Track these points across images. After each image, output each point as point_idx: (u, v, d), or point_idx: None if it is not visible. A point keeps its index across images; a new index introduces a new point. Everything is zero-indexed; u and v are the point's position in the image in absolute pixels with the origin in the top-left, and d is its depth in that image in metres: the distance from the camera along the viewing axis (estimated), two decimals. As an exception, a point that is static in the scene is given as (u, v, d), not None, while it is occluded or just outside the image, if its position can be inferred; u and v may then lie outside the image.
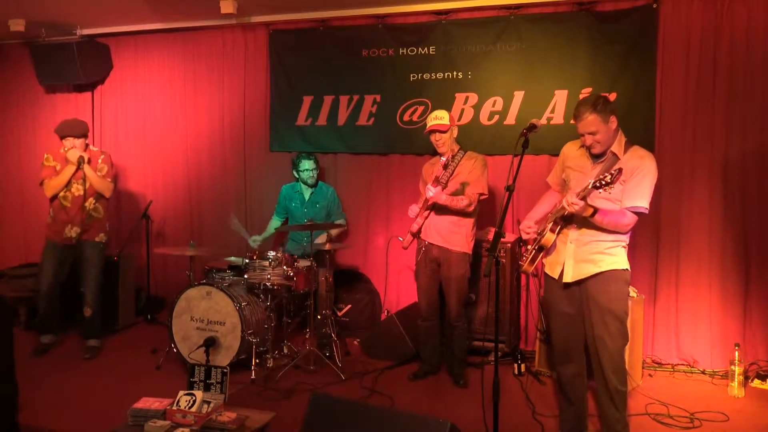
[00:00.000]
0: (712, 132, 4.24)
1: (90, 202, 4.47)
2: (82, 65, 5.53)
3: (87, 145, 4.56)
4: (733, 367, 3.81)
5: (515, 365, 4.18)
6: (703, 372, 4.21)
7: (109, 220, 4.73)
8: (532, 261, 3.08)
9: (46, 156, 4.56)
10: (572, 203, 2.75)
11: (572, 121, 3.01)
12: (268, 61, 5.39)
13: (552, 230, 2.98)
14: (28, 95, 6.16)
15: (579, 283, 2.99)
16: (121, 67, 5.91)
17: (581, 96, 4.44)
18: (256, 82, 5.46)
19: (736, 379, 3.81)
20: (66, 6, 5.00)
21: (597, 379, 3.05)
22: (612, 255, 2.94)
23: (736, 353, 3.82)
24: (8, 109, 6.25)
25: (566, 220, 2.99)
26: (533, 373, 4.16)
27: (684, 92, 4.29)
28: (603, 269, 2.92)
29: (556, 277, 3.05)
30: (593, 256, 2.94)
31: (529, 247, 3.14)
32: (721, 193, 4.24)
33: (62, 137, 4.44)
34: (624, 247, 2.98)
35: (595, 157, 2.99)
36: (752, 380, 3.99)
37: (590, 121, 2.85)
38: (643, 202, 2.87)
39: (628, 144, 2.98)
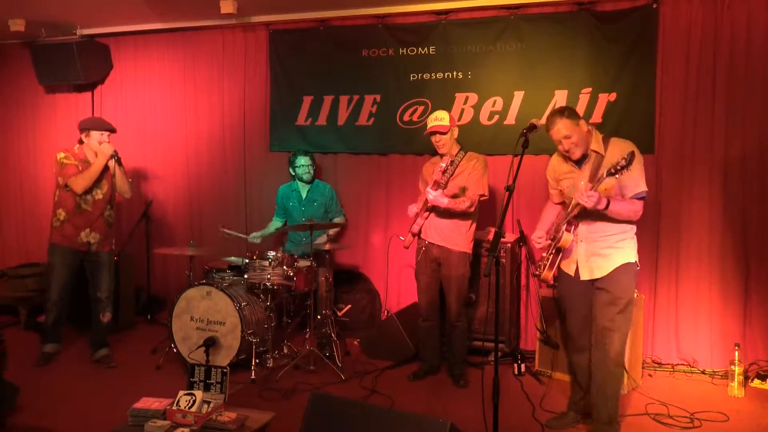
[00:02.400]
0: (712, 132, 4.23)
1: (107, 209, 4.28)
2: (82, 65, 5.52)
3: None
4: (733, 367, 3.81)
5: (515, 365, 4.18)
6: (703, 372, 4.21)
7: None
8: (551, 266, 3.16)
9: (64, 154, 4.17)
10: (589, 196, 2.82)
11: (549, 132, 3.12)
12: (268, 61, 5.38)
13: (567, 230, 3.06)
14: (28, 95, 6.15)
15: (593, 279, 3.11)
16: (121, 67, 5.90)
17: (581, 96, 4.46)
18: (256, 82, 5.46)
19: (736, 379, 3.81)
20: (66, 6, 5.00)
21: (594, 362, 3.12)
22: (621, 248, 3.06)
23: (736, 353, 3.82)
24: (8, 109, 6.25)
25: (579, 218, 3.07)
26: (533, 373, 4.16)
27: (684, 92, 4.29)
28: (615, 265, 3.04)
29: (572, 274, 3.16)
30: (603, 250, 3.06)
31: (544, 254, 3.21)
32: (721, 192, 4.23)
33: (97, 130, 4.17)
34: (632, 238, 3.10)
35: (578, 162, 3.11)
36: (752, 380, 3.98)
37: (562, 126, 3.02)
38: (643, 186, 3.02)
39: (606, 139, 3.10)
